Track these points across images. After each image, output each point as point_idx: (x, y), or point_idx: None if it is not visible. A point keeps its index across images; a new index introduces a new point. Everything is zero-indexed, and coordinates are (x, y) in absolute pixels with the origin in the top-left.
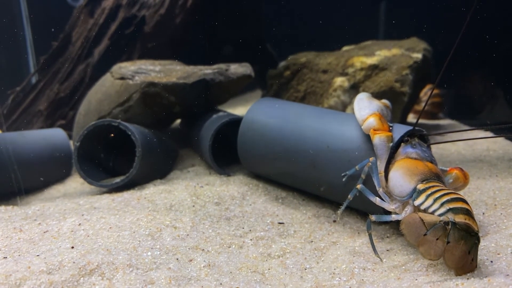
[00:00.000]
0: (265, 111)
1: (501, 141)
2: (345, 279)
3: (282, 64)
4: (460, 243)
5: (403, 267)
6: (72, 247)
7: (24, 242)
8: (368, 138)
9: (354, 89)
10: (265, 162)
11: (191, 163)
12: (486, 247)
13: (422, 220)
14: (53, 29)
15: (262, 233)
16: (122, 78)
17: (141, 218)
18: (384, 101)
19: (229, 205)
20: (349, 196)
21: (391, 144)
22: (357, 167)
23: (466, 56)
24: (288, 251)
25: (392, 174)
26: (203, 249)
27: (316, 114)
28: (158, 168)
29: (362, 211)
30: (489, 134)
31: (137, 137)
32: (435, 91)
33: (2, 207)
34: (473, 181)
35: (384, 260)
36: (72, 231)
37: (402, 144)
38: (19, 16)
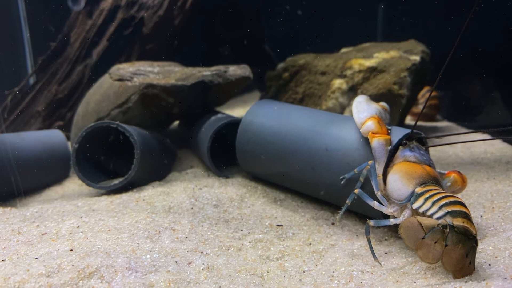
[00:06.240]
0: (264, 113)
1: (498, 144)
2: (343, 282)
3: (281, 65)
4: (458, 246)
5: (402, 270)
6: (71, 250)
7: (22, 244)
8: (366, 141)
9: (353, 91)
10: (263, 164)
11: (190, 165)
12: (484, 250)
13: (420, 223)
14: (51, 30)
15: (260, 235)
16: (120, 80)
17: (140, 220)
18: (383, 103)
19: (227, 207)
20: (347, 201)
21: (389, 147)
22: (355, 170)
23: (464, 58)
24: (286, 253)
25: (391, 177)
26: (202, 252)
27: (315, 116)
28: (157, 170)
29: (360, 213)
30: (486, 136)
31: (135, 138)
32: (433, 93)
33: (0, 209)
34: (471, 183)
35: (383, 263)
36: (70, 233)
37: (400, 147)
38: (17, 16)
